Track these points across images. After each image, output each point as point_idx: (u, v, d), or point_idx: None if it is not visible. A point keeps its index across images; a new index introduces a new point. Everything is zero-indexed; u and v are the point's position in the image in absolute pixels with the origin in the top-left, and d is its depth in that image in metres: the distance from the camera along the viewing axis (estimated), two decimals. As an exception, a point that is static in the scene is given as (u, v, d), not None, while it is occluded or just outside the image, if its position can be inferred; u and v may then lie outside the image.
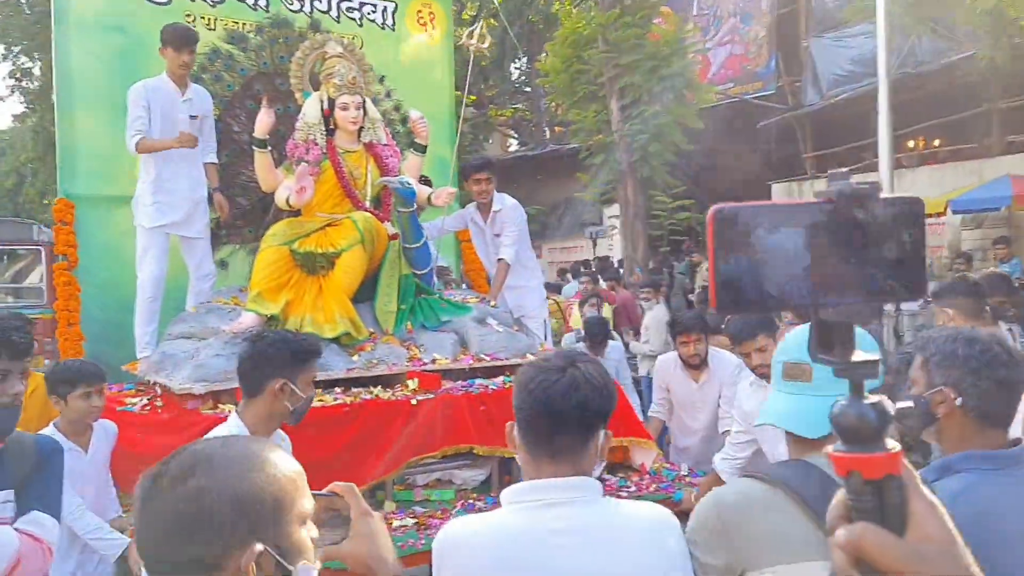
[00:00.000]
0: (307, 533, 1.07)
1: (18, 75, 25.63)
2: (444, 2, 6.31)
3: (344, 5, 5.78)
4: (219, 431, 2.29)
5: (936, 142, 14.39)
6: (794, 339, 1.62)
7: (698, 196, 15.66)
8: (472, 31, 4.63)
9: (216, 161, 4.61)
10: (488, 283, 5.63)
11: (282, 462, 1.06)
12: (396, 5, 6.01)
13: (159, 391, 3.92)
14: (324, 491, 1.19)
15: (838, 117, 13.92)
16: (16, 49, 24.26)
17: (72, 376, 3.01)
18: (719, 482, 3.53)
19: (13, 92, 25.76)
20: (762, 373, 3.23)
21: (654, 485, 3.93)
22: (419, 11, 6.14)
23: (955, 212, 10.94)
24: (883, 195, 0.63)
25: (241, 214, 4.90)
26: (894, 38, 10.22)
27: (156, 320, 4.37)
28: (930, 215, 10.64)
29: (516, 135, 26.86)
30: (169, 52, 4.37)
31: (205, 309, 4.19)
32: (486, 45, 4.63)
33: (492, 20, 11.91)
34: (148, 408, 3.85)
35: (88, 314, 4.83)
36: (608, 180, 10.91)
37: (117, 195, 4.97)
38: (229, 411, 3.33)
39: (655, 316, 7.11)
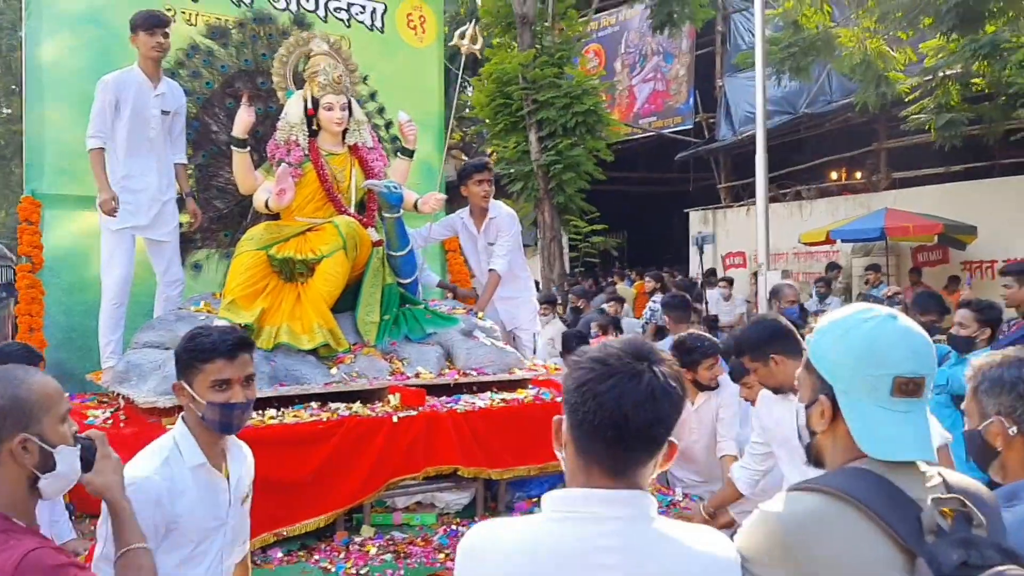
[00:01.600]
0: (66, 429, 1.67)
1: None
2: (435, 5, 6.12)
3: (332, 5, 5.58)
4: (165, 438, 2.11)
5: (833, 175, 15.84)
6: (906, 347, 1.38)
7: (621, 222, 17.50)
8: (464, 32, 4.44)
9: (186, 162, 4.38)
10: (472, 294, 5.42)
11: (46, 380, 1.68)
12: (385, 6, 5.81)
13: (122, 403, 3.66)
14: (83, 434, 1.76)
15: (748, 151, 14.98)
16: None
17: None
18: (735, 494, 3.33)
19: None
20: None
21: (648, 511, 3.71)
22: (409, 14, 5.94)
23: (835, 240, 11.87)
24: None
25: (217, 217, 4.66)
26: (780, 83, 11.57)
27: (122, 327, 4.12)
28: (820, 243, 11.89)
29: (466, 157, 27.08)
30: (141, 36, 4.15)
31: (175, 316, 3.94)
32: (478, 46, 4.43)
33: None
34: (110, 422, 3.59)
35: (52, 319, 4.57)
36: (525, 206, 11.78)
37: (84, 195, 4.69)
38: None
39: (548, 333, 6.78)
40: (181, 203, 4.34)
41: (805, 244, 12.68)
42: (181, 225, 4.36)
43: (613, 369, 1.30)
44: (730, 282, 12.18)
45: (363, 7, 5.73)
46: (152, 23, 4.15)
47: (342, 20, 5.59)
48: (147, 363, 3.63)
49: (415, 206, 4.40)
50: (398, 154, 4.62)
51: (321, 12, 5.49)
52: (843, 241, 12.03)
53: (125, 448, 3.38)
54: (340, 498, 3.32)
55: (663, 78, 17.38)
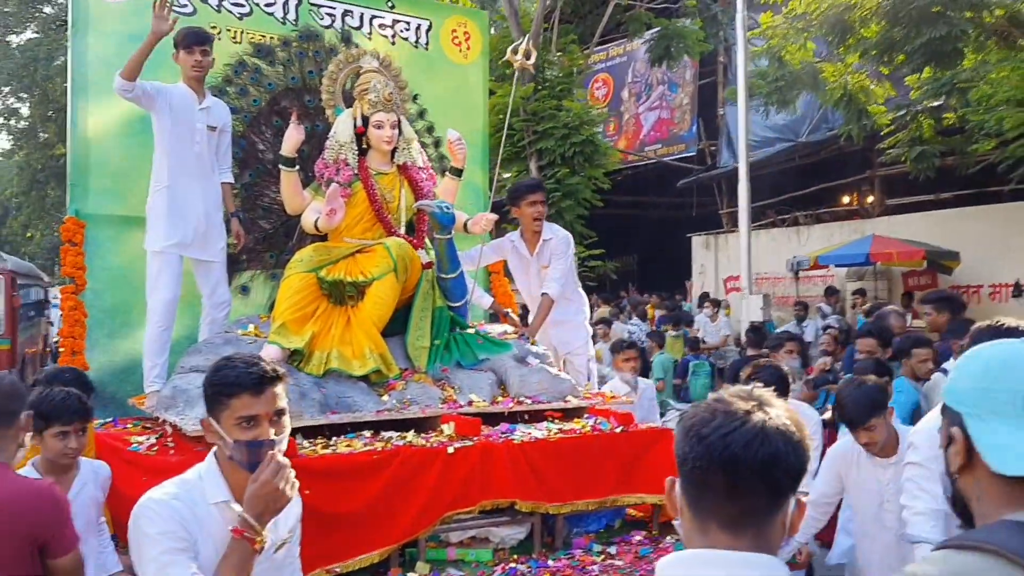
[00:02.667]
0: None
1: (6, 115, 26.59)
2: (481, 21, 6.03)
3: (376, 22, 5.50)
4: (191, 472, 1.94)
5: (837, 200, 16.00)
6: None
7: (632, 246, 18.33)
8: (518, 47, 4.31)
9: (233, 181, 4.28)
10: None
11: None
12: (431, 23, 5.72)
13: (169, 429, 3.54)
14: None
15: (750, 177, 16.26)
16: (5, 90, 25.31)
17: (48, 411, 2.62)
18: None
19: (1, 131, 26.59)
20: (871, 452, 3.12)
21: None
22: (454, 30, 5.85)
23: (827, 265, 12.31)
24: None
25: (263, 238, 4.57)
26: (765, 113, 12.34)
27: (167, 351, 4.01)
28: (811, 268, 12.29)
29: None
30: (181, 55, 4.08)
31: (222, 340, 3.83)
32: (532, 61, 4.30)
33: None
34: (156, 448, 3.48)
35: (94, 342, 4.48)
36: None
37: (130, 215, 4.63)
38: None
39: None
40: (227, 222, 4.24)
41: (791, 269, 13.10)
42: (228, 246, 4.26)
43: (718, 412, 1.20)
44: (716, 304, 12.51)
45: (408, 24, 5.64)
46: (189, 41, 4.08)
47: (387, 37, 5.50)
48: (193, 388, 3.50)
49: (464, 227, 4.28)
50: (447, 173, 4.51)
51: (366, 29, 5.41)
52: (837, 266, 12.41)
53: (173, 477, 3.27)
54: (395, 532, 3.16)
55: (668, 106, 18.04)
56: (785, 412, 1.21)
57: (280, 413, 1.92)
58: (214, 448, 1.96)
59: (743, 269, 10.85)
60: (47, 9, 25.49)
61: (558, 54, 12.39)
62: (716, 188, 17.19)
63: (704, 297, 13.32)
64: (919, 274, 12.09)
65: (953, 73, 9.26)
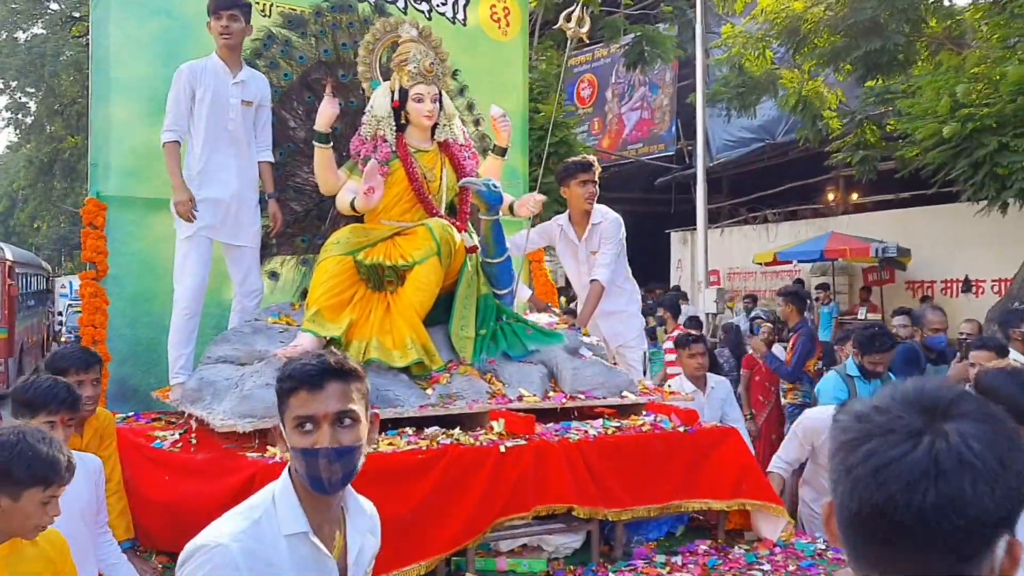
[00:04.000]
0: None
1: (14, 109, 27.06)
2: (520, -4, 5.71)
3: (412, -6, 5.20)
4: (264, 492, 1.59)
5: (805, 198, 16.52)
6: None
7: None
8: (570, 13, 3.99)
9: (272, 160, 4.00)
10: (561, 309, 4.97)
11: None
12: (468, -2, 5.42)
13: (194, 424, 3.27)
14: None
15: (724, 176, 16.78)
16: (13, 85, 25.73)
17: (33, 399, 2.35)
18: None
19: (8, 125, 27.38)
20: None
21: (792, 563, 3.18)
22: (493, 5, 5.53)
23: (790, 261, 13.11)
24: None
25: (294, 220, 4.27)
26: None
27: (194, 341, 3.74)
28: (771, 263, 13.04)
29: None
30: (211, 22, 3.81)
31: (251, 328, 3.55)
32: (585, 29, 3.98)
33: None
34: (180, 445, 3.20)
35: (115, 331, 4.22)
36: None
37: (154, 197, 4.37)
38: (280, 456, 2.69)
39: None
40: (263, 206, 3.96)
41: (758, 264, 13.58)
42: (262, 229, 3.98)
43: (876, 427, 0.85)
44: (684, 297, 12.88)
45: (445, -2, 5.34)
46: (216, 5, 3.80)
47: (422, 12, 5.20)
48: (221, 380, 3.24)
49: (510, 209, 3.98)
50: (489, 152, 4.20)
51: (401, 3, 5.10)
52: (800, 262, 13.25)
53: (197, 477, 2.99)
54: (441, 541, 2.86)
55: (649, 107, 18.62)
56: (981, 428, 0.84)
57: (345, 415, 1.54)
58: (289, 464, 1.61)
59: (699, 266, 11.63)
60: (54, 6, 25.74)
61: (542, 60, 12.31)
62: (692, 186, 17.43)
63: (675, 290, 13.76)
64: (878, 270, 12.67)
65: (889, 83, 10.00)
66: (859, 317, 11.77)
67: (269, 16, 4.65)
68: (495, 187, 3.65)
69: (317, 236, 4.32)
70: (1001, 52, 7.66)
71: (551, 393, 3.53)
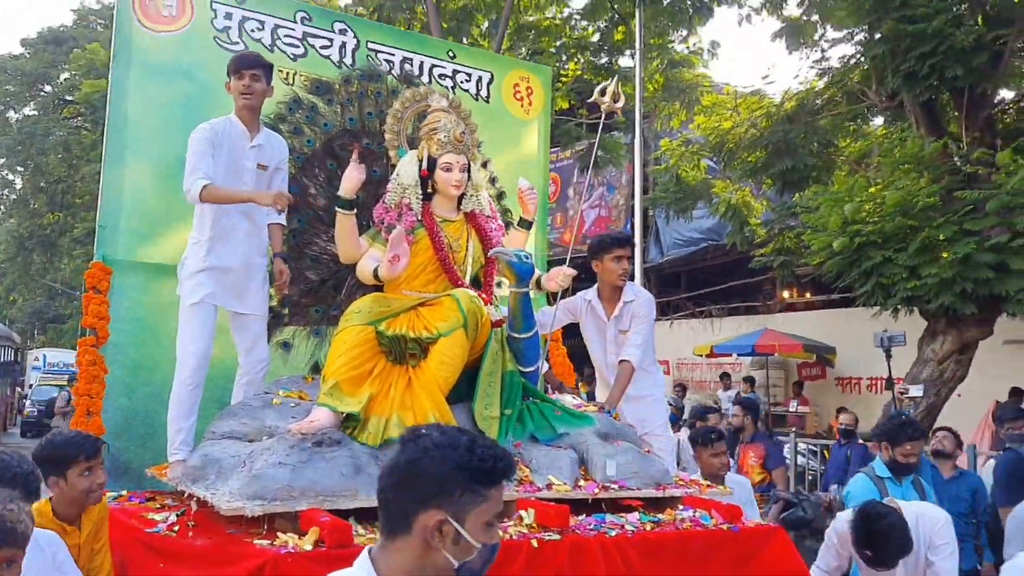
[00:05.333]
0: None
1: (1, 186, 27.61)
2: (543, 76, 5.69)
3: (437, 71, 5.15)
4: None
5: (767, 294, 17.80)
6: None
7: (568, 332, 19.41)
8: (605, 88, 3.90)
9: (284, 223, 3.83)
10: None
11: None
12: (492, 75, 5.38)
13: (194, 506, 2.98)
14: None
15: (675, 272, 18.25)
16: (1, 162, 26.31)
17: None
18: None
19: None
20: None
21: None
22: (516, 84, 5.50)
23: (719, 353, 14.18)
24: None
25: (308, 290, 4.08)
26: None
27: (195, 414, 3.47)
28: (710, 355, 14.25)
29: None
30: (232, 82, 3.69)
31: (261, 402, 3.29)
32: (620, 104, 3.89)
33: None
34: (176, 528, 2.90)
35: (111, 401, 3.96)
36: None
37: (160, 263, 4.21)
38: (292, 545, 2.41)
39: None
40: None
41: (698, 356, 14.65)
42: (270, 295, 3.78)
43: None
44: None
45: (469, 75, 5.30)
46: (238, 64, 3.69)
47: (446, 87, 5.14)
48: (228, 457, 2.96)
49: (537, 283, 3.78)
50: (514, 225, 4.05)
51: (426, 78, 5.06)
52: (739, 355, 14.39)
53: (197, 565, 2.69)
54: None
55: (607, 205, 19.88)
56: None
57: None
58: (369, 551, 1.50)
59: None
60: (48, 88, 26.35)
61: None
62: (645, 280, 18.32)
63: None
64: (811, 365, 13.97)
65: (801, 197, 10.99)
66: (790, 409, 13.38)
67: (292, 84, 4.58)
68: (527, 258, 3.47)
69: (332, 307, 4.12)
70: (890, 178, 8.83)
71: (581, 482, 3.25)
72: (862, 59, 9.98)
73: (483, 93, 5.34)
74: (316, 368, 4.10)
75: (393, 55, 5.03)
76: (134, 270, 4.20)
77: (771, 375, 14.24)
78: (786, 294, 16.68)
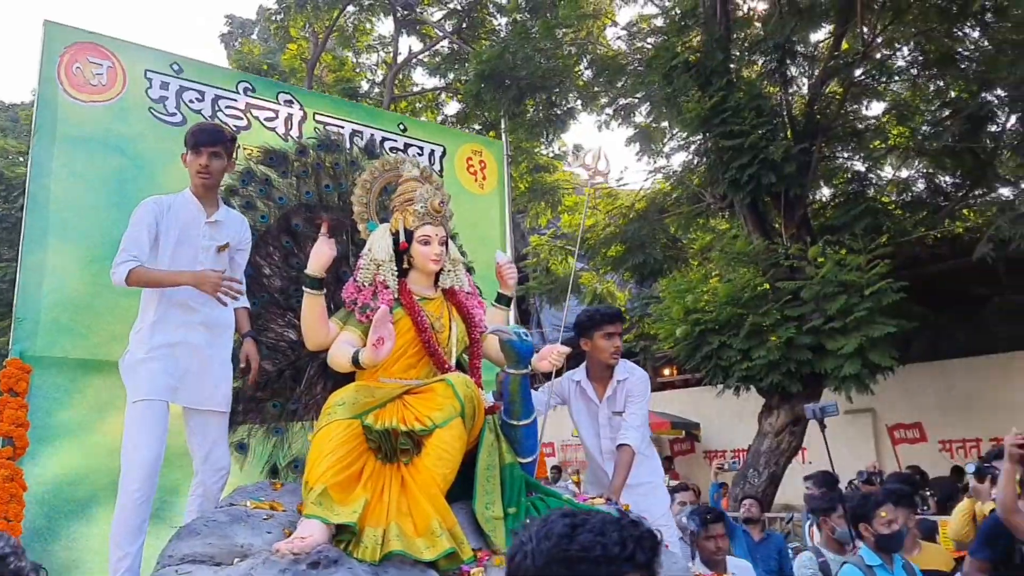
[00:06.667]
0: None
1: None
2: (496, 150, 5.51)
3: (388, 144, 4.89)
4: None
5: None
6: None
7: None
8: (588, 152, 3.70)
9: (248, 307, 3.42)
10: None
11: None
12: (444, 149, 5.16)
13: (150, 652, 2.44)
14: None
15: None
16: None
17: None
18: None
19: None
20: None
21: None
22: (469, 158, 5.29)
23: None
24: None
25: (265, 382, 3.62)
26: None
27: (144, 534, 2.94)
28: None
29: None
30: (188, 157, 3.31)
31: (227, 517, 2.79)
32: (606, 170, 3.69)
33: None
34: None
35: (30, 523, 3.35)
36: None
37: (86, 358, 3.71)
38: None
39: None
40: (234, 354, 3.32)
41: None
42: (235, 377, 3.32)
43: None
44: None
45: (421, 148, 5.06)
46: (197, 140, 3.31)
47: (398, 161, 4.87)
48: (193, 588, 2.46)
49: (525, 363, 3.46)
50: (494, 303, 3.75)
51: (376, 151, 4.77)
52: None
53: None
54: None
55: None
56: None
57: None
58: None
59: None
60: None
61: None
62: None
63: None
64: (681, 440, 15.16)
65: (648, 293, 12.37)
66: (662, 483, 14.85)
67: (235, 157, 4.21)
68: (527, 336, 3.15)
69: (291, 400, 3.66)
70: (725, 270, 9.90)
71: (601, 585, 2.88)
72: (699, 165, 11.36)
73: (436, 167, 5.10)
74: (274, 471, 3.62)
75: (342, 127, 4.75)
76: (57, 367, 3.65)
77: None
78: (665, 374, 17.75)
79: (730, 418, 13.99)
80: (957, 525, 5.19)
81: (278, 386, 3.66)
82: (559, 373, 3.70)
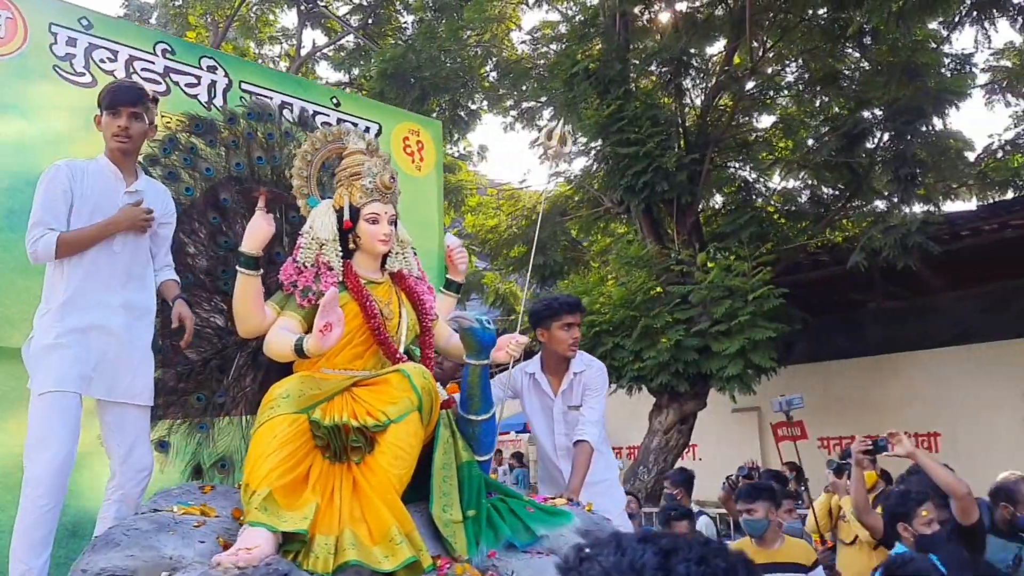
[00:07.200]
0: None
1: None
2: (434, 130, 5.22)
3: (320, 119, 4.54)
4: None
5: None
6: None
7: None
8: (551, 130, 3.48)
9: (176, 279, 3.06)
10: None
11: None
12: (380, 127, 4.85)
13: None
14: None
15: None
16: None
17: None
18: None
19: None
20: None
21: None
22: (406, 137, 4.99)
23: (502, 432, 16.97)
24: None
25: (188, 373, 3.26)
26: None
27: (51, 545, 2.55)
28: (502, 433, 17.65)
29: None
30: (104, 118, 2.94)
31: (152, 525, 2.44)
32: (568, 149, 3.48)
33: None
34: None
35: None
36: None
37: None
38: None
39: None
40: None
41: None
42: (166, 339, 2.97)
43: None
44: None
45: (355, 124, 4.71)
46: (114, 98, 2.94)
47: (332, 138, 4.54)
48: (113, 609, 2.12)
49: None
50: (443, 289, 3.51)
51: (311, 124, 4.43)
52: (517, 432, 15.39)
53: None
54: None
55: None
56: None
57: None
58: None
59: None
60: None
61: None
62: None
63: None
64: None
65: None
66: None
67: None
68: (488, 324, 2.91)
69: (218, 393, 3.31)
70: (619, 273, 10.32)
71: (568, 592, 2.67)
72: (598, 170, 11.56)
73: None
74: (198, 472, 3.26)
75: (270, 98, 4.38)
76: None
77: (541, 450, 16.28)
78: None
79: (624, 417, 14.36)
80: (816, 517, 5.51)
81: (203, 377, 3.31)
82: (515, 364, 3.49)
